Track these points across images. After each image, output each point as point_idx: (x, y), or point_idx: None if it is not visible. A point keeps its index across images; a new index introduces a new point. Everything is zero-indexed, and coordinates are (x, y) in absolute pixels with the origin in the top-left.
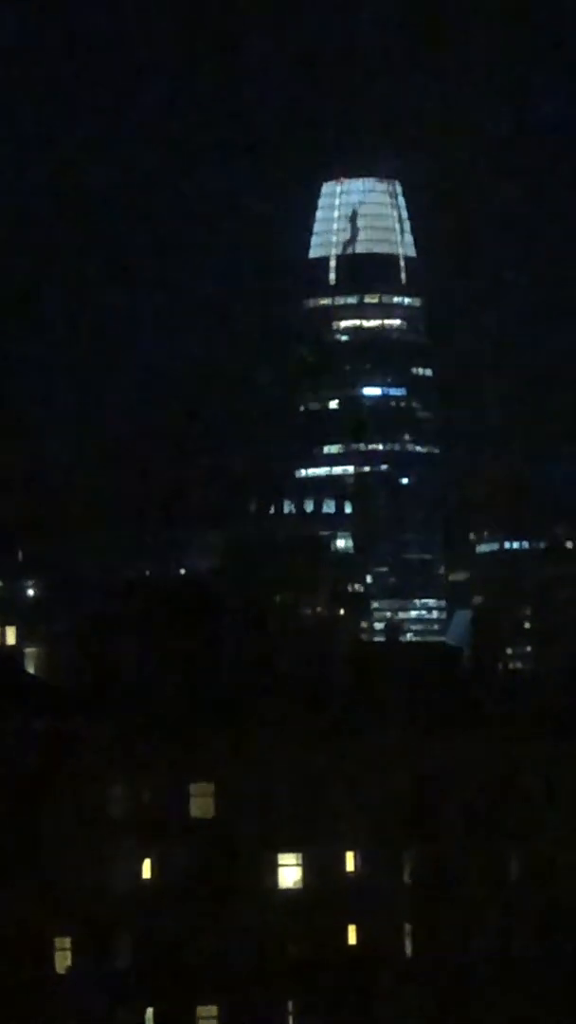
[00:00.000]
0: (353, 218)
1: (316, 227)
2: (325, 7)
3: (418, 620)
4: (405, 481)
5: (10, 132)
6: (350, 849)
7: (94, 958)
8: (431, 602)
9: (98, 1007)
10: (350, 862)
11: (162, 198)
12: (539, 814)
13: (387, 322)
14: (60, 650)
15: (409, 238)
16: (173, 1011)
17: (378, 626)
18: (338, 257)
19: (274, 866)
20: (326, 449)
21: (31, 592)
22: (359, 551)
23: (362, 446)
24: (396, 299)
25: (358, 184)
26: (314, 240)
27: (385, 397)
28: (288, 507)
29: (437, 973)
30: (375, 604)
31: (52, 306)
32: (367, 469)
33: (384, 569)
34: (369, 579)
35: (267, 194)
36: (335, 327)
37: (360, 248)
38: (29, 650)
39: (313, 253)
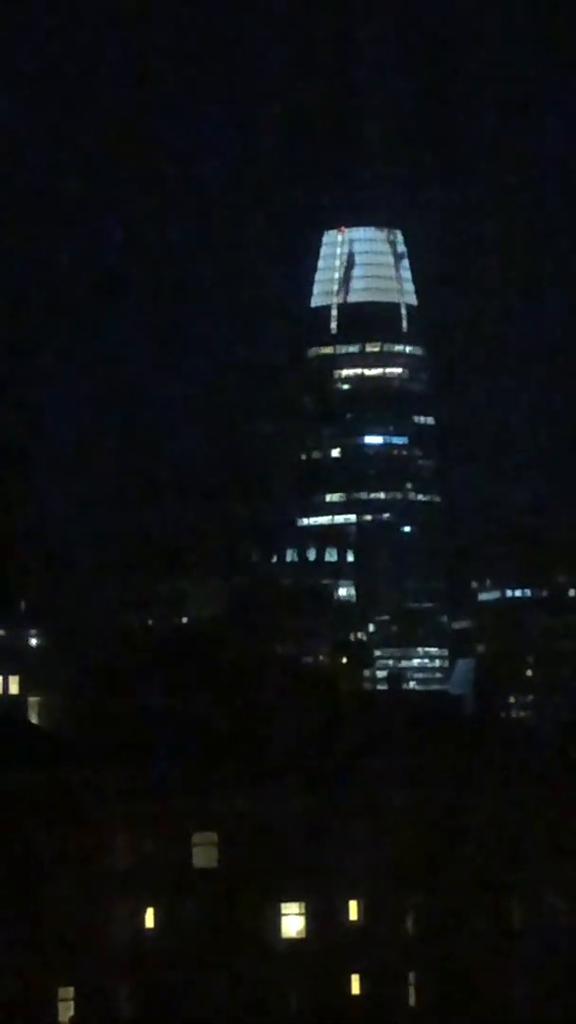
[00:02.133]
0: (349, 267)
1: (317, 276)
2: (327, 53)
3: (420, 669)
4: (407, 529)
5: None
6: (353, 898)
7: (97, 1008)
8: (433, 651)
9: None
10: (353, 911)
11: (163, 246)
12: (542, 864)
13: (388, 370)
14: (63, 699)
15: (410, 286)
16: None
17: (380, 675)
18: (339, 306)
19: (277, 915)
20: (328, 498)
21: (34, 641)
22: (361, 600)
23: (364, 495)
24: (397, 347)
25: (359, 233)
26: (315, 289)
27: (387, 446)
28: (290, 555)
29: (441, 1021)
30: (377, 653)
31: (51, 353)
32: (369, 518)
33: (386, 618)
34: (371, 628)
35: (268, 243)
36: (337, 376)
37: (361, 297)
38: (32, 699)
39: (314, 302)
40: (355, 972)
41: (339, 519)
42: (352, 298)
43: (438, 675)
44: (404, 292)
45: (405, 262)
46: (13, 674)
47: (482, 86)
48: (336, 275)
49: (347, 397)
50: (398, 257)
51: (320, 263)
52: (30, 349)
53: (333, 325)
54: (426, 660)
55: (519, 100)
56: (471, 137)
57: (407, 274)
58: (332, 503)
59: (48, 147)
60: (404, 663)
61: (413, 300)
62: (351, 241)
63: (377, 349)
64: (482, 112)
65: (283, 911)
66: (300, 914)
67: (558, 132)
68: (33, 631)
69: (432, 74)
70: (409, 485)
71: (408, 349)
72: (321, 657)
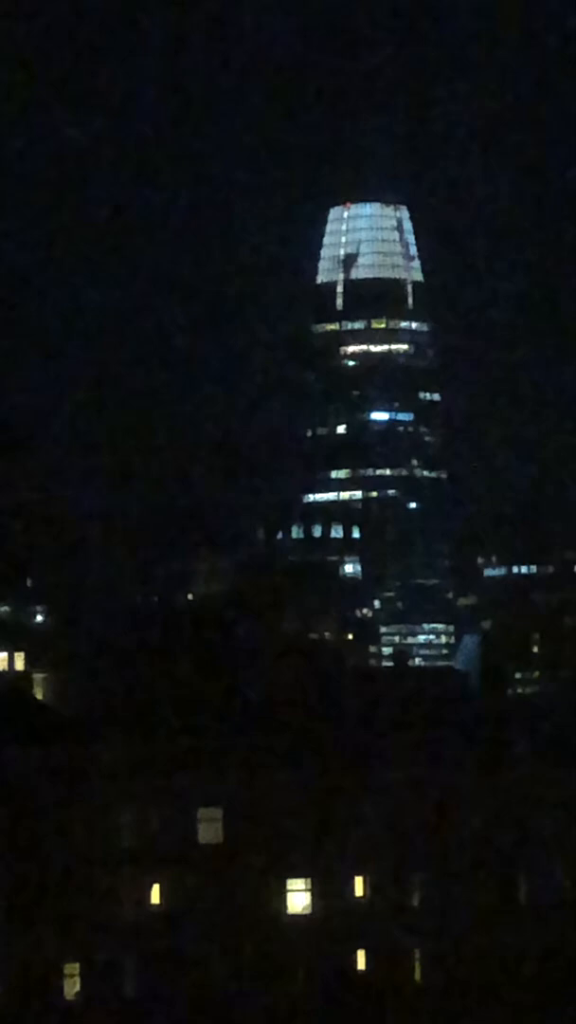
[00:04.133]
0: (355, 245)
1: (323, 252)
2: (336, 32)
3: (426, 645)
4: (413, 506)
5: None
6: (359, 874)
7: (103, 983)
8: (439, 627)
9: None
10: (359, 887)
11: (168, 222)
12: (548, 840)
13: (394, 347)
14: (69, 676)
15: (416, 263)
16: None
17: (386, 651)
18: (345, 282)
19: (283, 891)
20: (334, 474)
21: (40, 618)
22: (367, 576)
23: (370, 471)
24: (403, 324)
25: (365, 209)
26: (321, 265)
27: (392, 422)
28: (296, 532)
29: (447, 998)
30: (383, 629)
31: (63, 331)
32: (375, 494)
33: (392, 594)
34: (377, 604)
35: (274, 220)
36: (342, 352)
37: (367, 273)
38: (38, 676)
39: (320, 278)
40: (361, 948)
41: (345, 495)
42: (357, 275)
43: (444, 651)
44: (410, 269)
45: (411, 238)
46: (19, 650)
47: (491, 61)
48: (341, 251)
49: (353, 374)
50: (404, 233)
51: (325, 239)
52: (36, 326)
53: (339, 302)
54: (432, 636)
55: (528, 74)
56: (477, 112)
57: (413, 251)
58: (338, 479)
59: (56, 130)
60: (410, 639)
61: (419, 276)
62: (357, 217)
63: (383, 326)
64: (489, 86)
65: (289, 887)
66: (306, 890)
67: (567, 106)
68: (39, 608)
69: (439, 49)
70: (415, 462)
71: (414, 326)
72: (327, 633)
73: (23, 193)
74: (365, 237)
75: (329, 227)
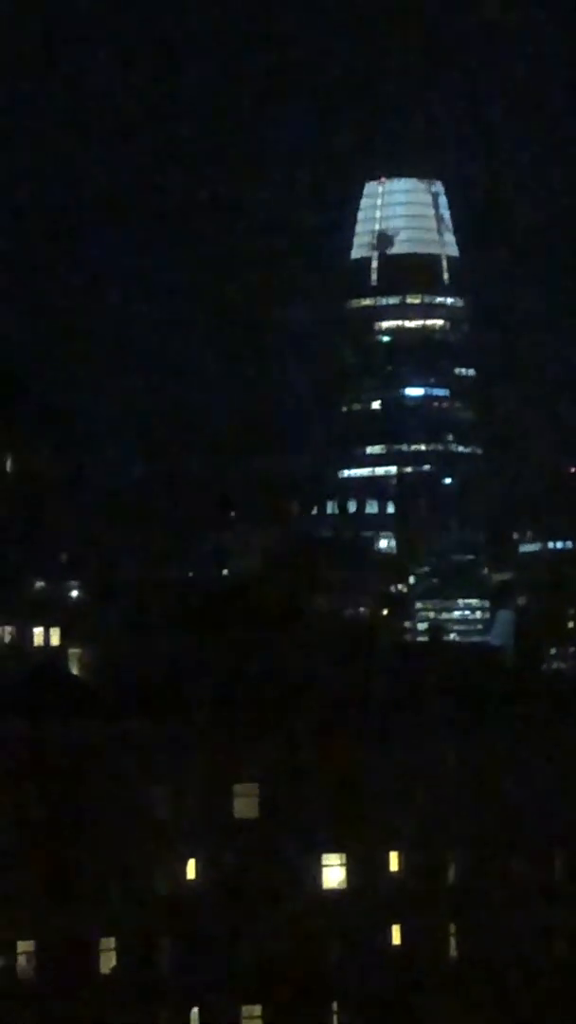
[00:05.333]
0: (390, 220)
1: (358, 228)
2: (372, 10)
3: (461, 621)
4: (448, 481)
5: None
6: (394, 849)
7: (139, 958)
8: (474, 602)
9: (143, 1007)
10: (394, 862)
11: (204, 200)
12: None
13: (429, 322)
14: (103, 651)
15: (451, 238)
16: (217, 1011)
17: (421, 627)
18: (380, 258)
19: (318, 867)
20: (369, 450)
21: (75, 593)
22: (401, 551)
23: (405, 447)
24: (438, 299)
25: (400, 184)
26: (356, 241)
27: (428, 397)
28: (331, 508)
29: (482, 973)
30: (418, 605)
31: (98, 312)
32: (409, 469)
33: (427, 569)
34: (412, 579)
35: (309, 195)
36: (377, 328)
37: (402, 248)
38: (73, 651)
39: (355, 254)
40: (396, 923)
41: (380, 471)
42: (393, 250)
43: (479, 627)
44: (445, 244)
45: (446, 213)
46: (54, 626)
47: (527, 36)
48: (377, 227)
49: (388, 349)
50: (439, 208)
51: (360, 215)
52: (76, 309)
53: (374, 277)
54: (467, 612)
55: (569, 44)
56: (513, 88)
57: (448, 225)
58: (373, 455)
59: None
60: (445, 615)
61: (454, 251)
62: (392, 192)
63: (418, 301)
64: (525, 62)
65: (324, 862)
66: (341, 865)
67: None
68: (74, 583)
69: (475, 24)
70: (450, 437)
71: (449, 301)
72: (362, 609)
73: (70, 171)
74: (400, 212)
75: (364, 202)
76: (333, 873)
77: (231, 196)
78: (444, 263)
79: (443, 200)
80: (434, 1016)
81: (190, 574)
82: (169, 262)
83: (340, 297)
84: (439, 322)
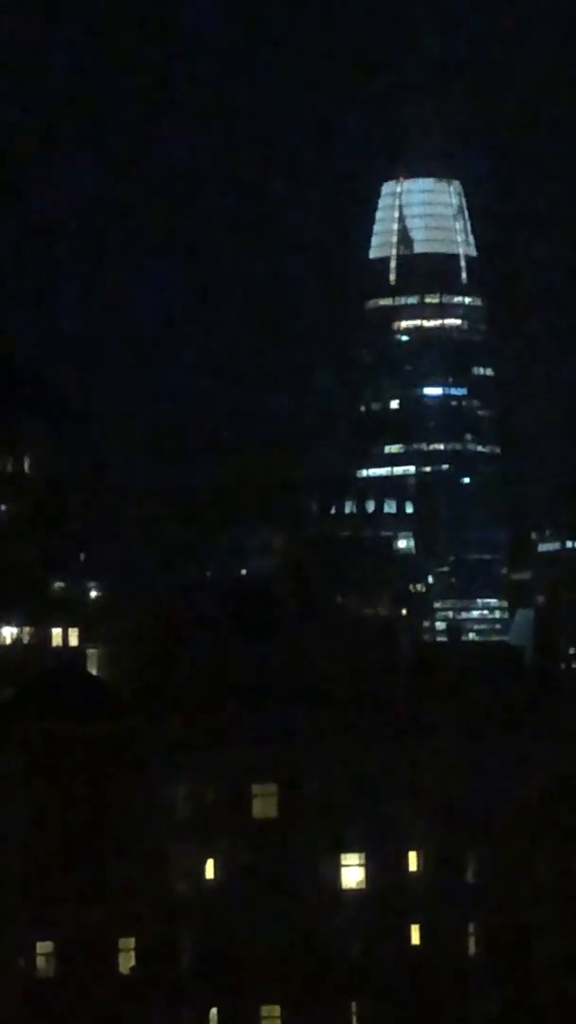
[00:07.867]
0: (409, 220)
1: (376, 227)
2: (389, 9)
3: (480, 620)
4: (466, 481)
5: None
6: (413, 849)
7: (158, 958)
8: (493, 602)
9: (161, 1007)
10: (413, 862)
11: (222, 200)
12: None
13: (448, 322)
14: (122, 651)
15: (470, 237)
16: (236, 1011)
17: (440, 626)
18: (398, 257)
19: (337, 866)
20: (387, 449)
21: (94, 593)
22: (420, 551)
23: (423, 446)
24: (457, 299)
25: (418, 183)
26: (374, 240)
27: (446, 397)
28: (349, 507)
29: (501, 973)
30: (437, 604)
31: (116, 312)
32: (428, 469)
33: (445, 569)
34: (431, 579)
35: (328, 194)
36: (396, 327)
37: (420, 248)
38: (91, 651)
39: (373, 253)
40: (415, 923)
41: (398, 470)
42: (411, 249)
43: (498, 626)
44: (463, 243)
45: (464, 212)
46: (73, 626)
47: (546, 34)
48: (395, 226)
49: (406, 349)
50: (457, 208)
51: (378, 214)
52: (96, 310)
53: (392, 276)
54: (486, 611)
55: None
56: (531, 86)
57: (466, 225)
58: (391, 454)
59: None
60: (464, 614)
61: (472, 251)
62: (411, 191)
63: (436, 300)
64: (544, 61)
65: (343, 862)
66: (360, 865)
67: None
68: (93, 583)
69: (493, 21)
70: (468, 436)
71: (467, 300)
72: (381, 608)
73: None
74: (419, 212)
75: (382, 202)
76: (352, 873)
77: (249, 198)
78: (463, 263)
79: (462, 200)
80: (454, 1016)
81: (208, 574)
82: (187, 263)
83: (358, 297)
84: (458, 322)
